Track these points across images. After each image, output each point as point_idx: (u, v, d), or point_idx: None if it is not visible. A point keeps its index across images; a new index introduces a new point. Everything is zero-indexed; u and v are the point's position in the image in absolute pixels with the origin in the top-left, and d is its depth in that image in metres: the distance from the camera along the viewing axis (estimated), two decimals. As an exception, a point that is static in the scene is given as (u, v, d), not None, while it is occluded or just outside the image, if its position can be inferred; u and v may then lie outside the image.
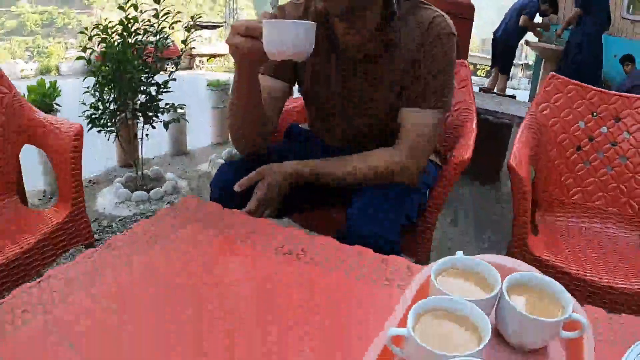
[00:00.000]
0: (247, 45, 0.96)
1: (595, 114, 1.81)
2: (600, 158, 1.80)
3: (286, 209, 1.28)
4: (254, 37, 0.95)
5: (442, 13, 1.20)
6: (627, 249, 1.59)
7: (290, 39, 0.90)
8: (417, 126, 1.19)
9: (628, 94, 1.83)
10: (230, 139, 1.35)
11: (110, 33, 2.54)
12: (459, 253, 0.75)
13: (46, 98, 2.87)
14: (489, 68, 8.80)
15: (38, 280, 0.78)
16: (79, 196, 1.52)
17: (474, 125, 1.55)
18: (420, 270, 0.76)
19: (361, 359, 0.58)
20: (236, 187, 1.15)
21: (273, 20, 0.91)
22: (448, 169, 1.38)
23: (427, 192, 1.38)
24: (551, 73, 1.87)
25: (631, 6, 6.58)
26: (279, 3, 4.40)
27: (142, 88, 2.69)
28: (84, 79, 2.66)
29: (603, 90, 1.85)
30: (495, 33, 6.34)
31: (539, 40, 6.57)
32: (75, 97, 2.88)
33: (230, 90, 1.22)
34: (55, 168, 1.56)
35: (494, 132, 3.04)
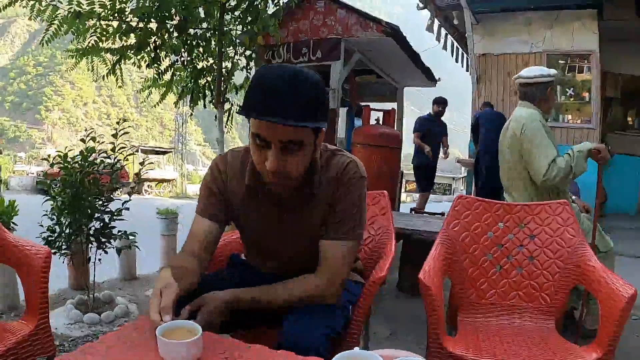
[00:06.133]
0: (153, 317, 1.11)
1: (501, 224, 2.10)
2: (510, 261, 2.05)
3: (227, 327, 1.41)
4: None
5: (355, 158, 1.44)
6: (543, 336, 1.78)
7: (178, 355, 1.03)
8: (334, 256, 1.39)
9: (530, 203, 2.14)
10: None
11: (70, 162, 2.76)
12: (356, 348, 0.94)
13: (4, 216, 2.93)
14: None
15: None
16: (45, 311, 1.64)
17: (392, 248, 1.76)
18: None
19: None
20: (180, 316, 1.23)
21: (163, 339, 1.03)
22: (368, 285, 1.58)
23: (351, 307, 1.55)
24: (458, 194, 2.18)
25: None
26: (224, 135, 4.68)
27: (96, 215, 2.85)
28: (42, 203, 2.82)
29: (507, 202, 2.16)
30: (412, 162, 7.07)
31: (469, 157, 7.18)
32: (26, 214, 3.01)
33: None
34: (25, 285, 1.70)
35: (425, 249, 3.24)
